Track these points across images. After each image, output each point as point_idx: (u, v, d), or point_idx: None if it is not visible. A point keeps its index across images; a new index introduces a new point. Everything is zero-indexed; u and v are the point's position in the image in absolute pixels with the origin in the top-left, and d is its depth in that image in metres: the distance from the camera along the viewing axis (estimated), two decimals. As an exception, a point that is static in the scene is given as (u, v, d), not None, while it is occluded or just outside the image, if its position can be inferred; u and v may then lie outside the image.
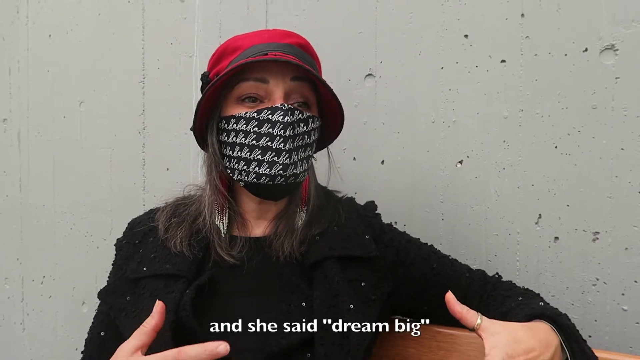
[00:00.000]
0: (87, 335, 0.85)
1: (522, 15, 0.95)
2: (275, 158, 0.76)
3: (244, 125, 0.77)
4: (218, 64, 0.82)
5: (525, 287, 0.85)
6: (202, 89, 0.85)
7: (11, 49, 1.62)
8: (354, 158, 1.13)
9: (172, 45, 1.34)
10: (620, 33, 0.88)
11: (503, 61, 0.97)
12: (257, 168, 0.77)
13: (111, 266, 0.87)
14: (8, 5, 1.63)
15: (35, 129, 1.58)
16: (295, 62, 0.75)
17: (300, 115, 0.78)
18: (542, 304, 0.76)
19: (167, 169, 1.35)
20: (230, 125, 0.79)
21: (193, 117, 0.82)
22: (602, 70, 0.89)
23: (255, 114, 0.77)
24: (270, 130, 0.76)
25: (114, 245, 0.88)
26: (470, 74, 1.01)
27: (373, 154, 1.11)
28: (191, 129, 0.85)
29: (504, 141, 0.98)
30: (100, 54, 1.45)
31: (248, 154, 0.77)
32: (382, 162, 1.10)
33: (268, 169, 0.76)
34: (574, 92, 0.91)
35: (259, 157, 0.76)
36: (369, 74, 1.11)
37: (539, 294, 0.83)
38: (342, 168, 1.12)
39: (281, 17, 1.20)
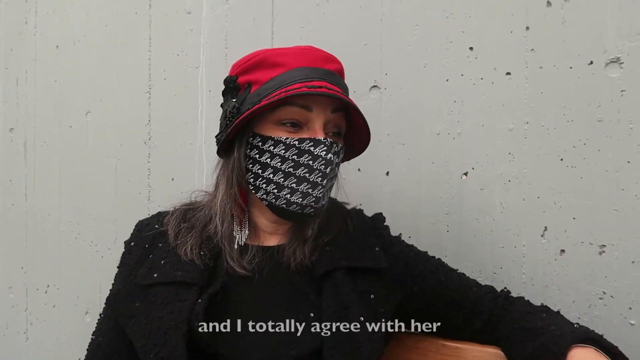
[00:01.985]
0: (90, 339, 0.84)
1: (527, 28, 0.96)
2: (310, 190, 0.76)
3: (283, 151, 0.77)
4: (252, 73, 0.80)
5: (543, 304, 0.85)
6: (224, 92, 0.83)
7: (19, 59, 1.64)
8: (359, 169, 1.13)
9: (178, 56, 1.35)
10: (626, 46, 0.88)
11: (508, 73, 0.98)
12: (288, 195, 0.77)
13: (117, 269, 0.85)
14: (16, 16, 1.65)
15: (41, 139, 1.59)
16: (346, 99, 0.76)
17: (336, 147, 0.80)
18: (577, 325, 0.77)
19: (172, 179, 1.36)
20: (266, 145, 0.78)
21: (221, 126, 0.81)
22: (607, 83, 0.89)
23: (297, 142, 0.76)
24: (310, 162, 0.76)
25: (123, 243, 0.87)
26: (475, 86, 1.01)
27: (378, 165, 1.11)
28: (217, 137, 0.83)
29: (510, 153, 0.98)
30: (107, 65, 1.46)
31: (282, 179, 0.77)
32: (387, 173, 1.10)
33: (300, 199, 0.77)
34: (580, 105, 0.91)
35: (293, 185, 0.76)
36: (374, 86, 1.11)
37: (558, 311, 0.83)
38: (347, 179, 1.12)
39: (287, 30, 1.21)
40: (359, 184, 1.12)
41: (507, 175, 0.98)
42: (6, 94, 1.67)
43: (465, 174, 1.02)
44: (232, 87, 0.81)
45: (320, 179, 0.76)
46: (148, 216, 0.91)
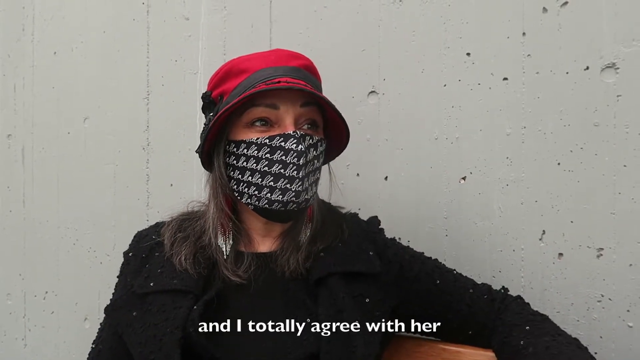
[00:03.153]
0: (91, 347, 0.85)
1: (524, 33, 0.97)
2: (288, 185, 0.76)
3: (255, 151, 0.77)
4: (222, 85, 0.82)
5: (535, 311, 0.83)
6: (203, 109, 0.85)
7: (17, 66, 1.64)
8: (358, 174, 1.14)
9: (176, 62, 1.35)
10: (621, 52, 0.89)
11: (505, 79, 0.98)
12: (269, 194, 0.77)
13: (117, 278, 0.87)
14: (14, 23, 1.65)
15: (39, 145, 1.59)
16: (308, 89, 0.75)
17: (311, 140, 0.79)
18: (552, 347, 0.73)
19: (171, 185, 1.36)
20: (240, 150, 0.79)
21: (200, 141, 0.82)
22: (603, 88, 0.90)
23: (267, 140, 0.77)
24: (283, 157, 0.76)
25: (122, 253, 0.89)
26: (472, 91, 1.02)
27: (377, 170, 1.12)
28: (197, 152, 0.85)
29: (507, 158, 0.98)
30: (105, 71, 1.46)
31: (259, 180, 0.77)
32: (386, 178, 1.11)
33: (281, 196, 0.77)
34: (576, 110, 0.92)
35: (271, 183, 0.77)
36: (372, 91, 1.12)
37: (547, 317, 0.82)
38: (345, 184, 1.12)
39: (285, 36, 1.21)
40: (357, 189, 1.13)
41: (505, 179, 0.99)
42: (4, 100, 1.67)
43: (464, 178, 1.03)
44: (208, 102, 0.83)
45: (295, 172, 0.76)
46: (146, 224, 0.92)
